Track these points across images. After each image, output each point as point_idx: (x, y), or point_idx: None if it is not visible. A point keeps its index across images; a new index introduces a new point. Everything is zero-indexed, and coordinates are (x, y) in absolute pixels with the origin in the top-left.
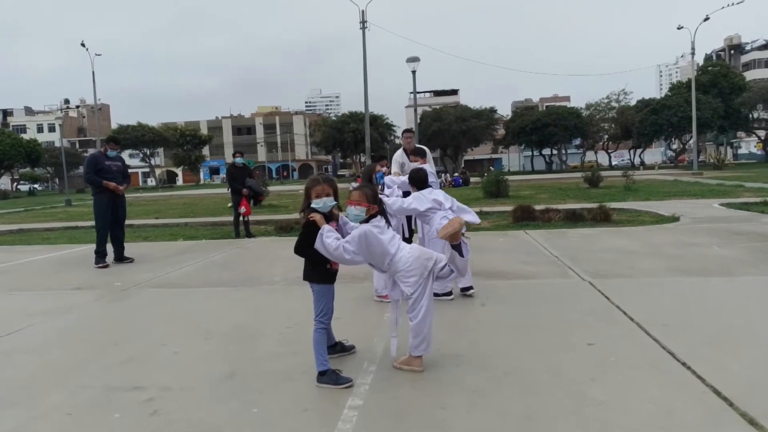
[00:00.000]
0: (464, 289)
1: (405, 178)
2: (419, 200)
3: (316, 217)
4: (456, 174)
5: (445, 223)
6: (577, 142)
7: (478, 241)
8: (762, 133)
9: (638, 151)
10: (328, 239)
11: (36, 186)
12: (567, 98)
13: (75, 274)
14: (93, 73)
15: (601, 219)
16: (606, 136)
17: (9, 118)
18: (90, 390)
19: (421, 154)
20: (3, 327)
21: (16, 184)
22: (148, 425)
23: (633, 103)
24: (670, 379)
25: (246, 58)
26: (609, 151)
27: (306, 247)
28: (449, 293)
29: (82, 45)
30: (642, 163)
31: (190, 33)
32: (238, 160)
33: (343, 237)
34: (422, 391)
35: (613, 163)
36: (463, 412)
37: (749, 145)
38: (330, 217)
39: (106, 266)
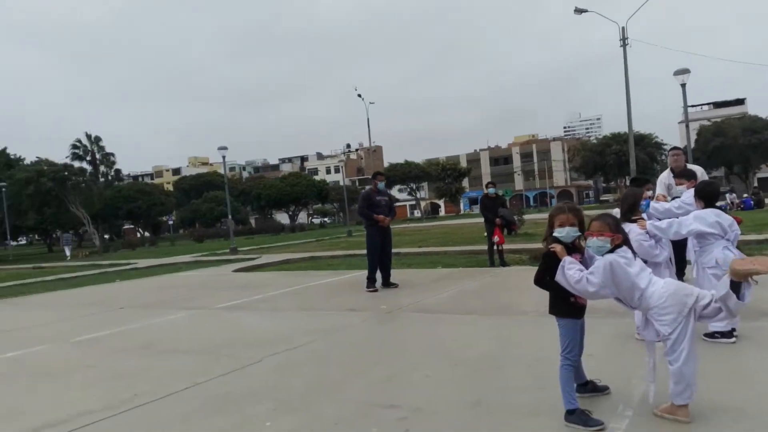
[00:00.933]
0: (722, 335)
1: (670, 206)
2: (701, 220)
3: (557, 247)
4: (746, 195)
5: (728, 255)
6: None
7: None
8: None
9: None
10: (569, 271)
11: (326, 219)
12: None
13: (349, 296)
14: (368, 119)
15: None
16: None
17: (305, 163)
18: (354, 404)
19: (689, 176)
20: (291, 341)
21: (310, 218)
22: None
23: None
24: None
25: (502, 90)
26: None
27: (546, 278)
28: (730, 333)
29: (359, 95)
30: None
31: (448, 72)
32: (491, 190)
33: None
34: None
35: None
36: None
37: None
38: (573, 248)
39: (375, 291)
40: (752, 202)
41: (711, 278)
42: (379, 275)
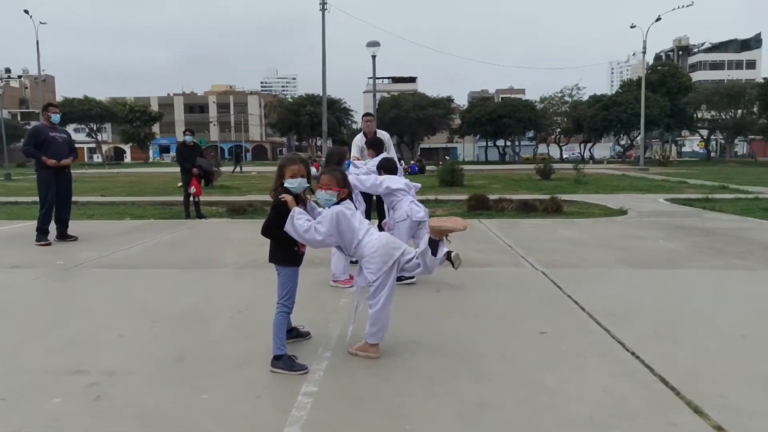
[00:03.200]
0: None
1: (363, 167)
2: (392, 179)
3: (288, 198)
4: (412, 162)
5: (415, 209)
6: (531, 134)
7: None
8: (705, 133)
9: (588, 145)
10: (299, 221)
11: None
12: (522, 91)
13: (13, 251)
14: (37, 42)
15: (553, 210)
16: (558, 130)
17: None
18: (28, 373)
19: (377, 147)
20: None
21: None
22: (91, 410)
23: (585, 98)
24: (620, 368)
25: (200, 35)
26: (561, 144)
27: (275, 228)
28: (412, 276)
29: (26, 12)
30: (591, 157)
31: (142, 4)
32: (188, 138)
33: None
34: (378, 378)
35: (564, 156)
36: (419, 400)
37: (692, 144)
38: (297, 199)
39: (48, 244)
40: (417, 168)
41: (403, 230)
42: (53, 227)
